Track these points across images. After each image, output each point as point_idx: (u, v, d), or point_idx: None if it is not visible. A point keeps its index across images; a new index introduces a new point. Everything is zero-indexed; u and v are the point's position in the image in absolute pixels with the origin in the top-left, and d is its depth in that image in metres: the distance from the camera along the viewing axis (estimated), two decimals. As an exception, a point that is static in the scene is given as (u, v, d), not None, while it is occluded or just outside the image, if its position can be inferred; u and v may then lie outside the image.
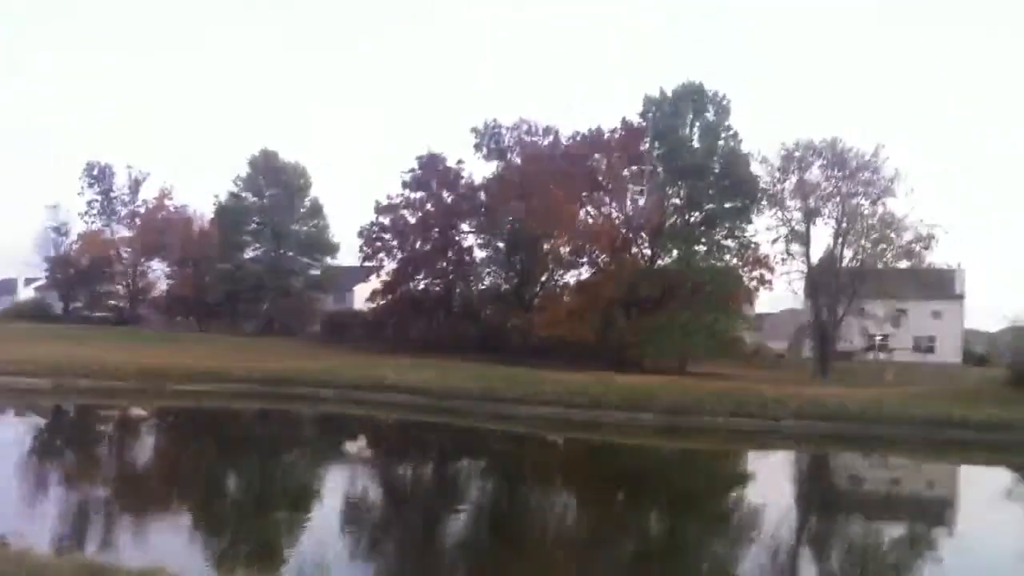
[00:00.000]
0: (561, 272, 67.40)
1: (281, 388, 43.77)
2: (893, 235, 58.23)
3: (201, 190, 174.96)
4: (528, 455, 32.85)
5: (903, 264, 59.86)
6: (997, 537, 19.95)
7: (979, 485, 29.91)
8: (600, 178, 62.92)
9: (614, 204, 64.31)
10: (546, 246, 63.47)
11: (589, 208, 64.28)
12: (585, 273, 65.50)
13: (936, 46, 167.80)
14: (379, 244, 69.62)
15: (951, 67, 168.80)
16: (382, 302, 69.38)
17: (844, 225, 59.07)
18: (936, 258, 60.31)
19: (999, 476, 31.84)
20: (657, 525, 20.70)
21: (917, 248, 57.88)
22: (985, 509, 24.37)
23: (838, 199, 59.28)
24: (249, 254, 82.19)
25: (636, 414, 38.07)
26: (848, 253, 59.78)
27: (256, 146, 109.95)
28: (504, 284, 69.71)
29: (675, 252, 62.05)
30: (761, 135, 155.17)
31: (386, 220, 69.18)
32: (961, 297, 79.54)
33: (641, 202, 62.41)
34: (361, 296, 77.63)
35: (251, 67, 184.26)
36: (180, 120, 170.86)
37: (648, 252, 64.16)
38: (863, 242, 59.31)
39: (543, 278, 67.78)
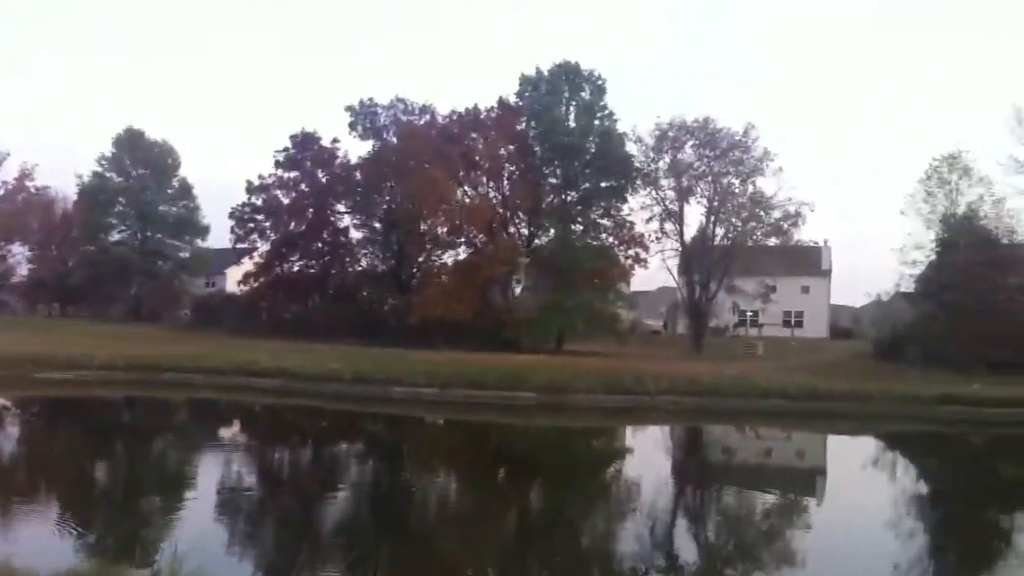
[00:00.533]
0: (439, 252, 66.97)
1: (148, 375, 42.31)
2: (762, 213, 59.73)
3: (66, 171, 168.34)
4: (406, 436, 32.47)
5: (772, 241, 61.37)
6: (865, 503, 20.45)
7: (846, 454, 30.80)
8: (477, 158, 62.69)
9: (491, 184, 64.29)
10: (423, 226, 63.00)
11: (466, 188, 64.06)
12: (463, 253, 65.27)
13: (800, 26, 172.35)
14: (251, 225, 68.09)
15: (816, 46, 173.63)
16: (255, 284, 67.91)
17: (716, 204, 60.30)
18: (804, 235, 62.18)
19: (865, 444, 32.90)
20: (538, 502, 20.62)
21: (785, 226, 59.60)
22: (853, 477, 25.06)
23: (710, 178, 60.54)
24: (115, 236, 79.45)
25: (514, 393, 37.99)
26: (720, 231, 61.13)
27: (123, 124, 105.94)
28: (381, 265, 68.99)
29: (552, 231, 62.25)
30: (638, 115, 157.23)
31: (258, 200, 67.71)
32: (828, 273, 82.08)
33: (518, 182, 62.40)
34: (234, 279, 75.87)
35: (118, 43, 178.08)
36: (42, 98, 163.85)
37: (526, 232, 64.28)
38: (734, 220, 60.68)
39: (421, 259, 67.26)
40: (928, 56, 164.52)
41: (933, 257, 51.46)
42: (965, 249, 48.19)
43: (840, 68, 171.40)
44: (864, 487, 23.29)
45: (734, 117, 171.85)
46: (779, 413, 36.85)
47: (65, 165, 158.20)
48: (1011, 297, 47.64)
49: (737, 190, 60.52)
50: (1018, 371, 41.07)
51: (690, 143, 60.55)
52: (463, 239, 64.30)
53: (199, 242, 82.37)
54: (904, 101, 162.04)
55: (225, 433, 32.06)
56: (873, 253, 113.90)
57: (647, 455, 29.06)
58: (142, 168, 77.83)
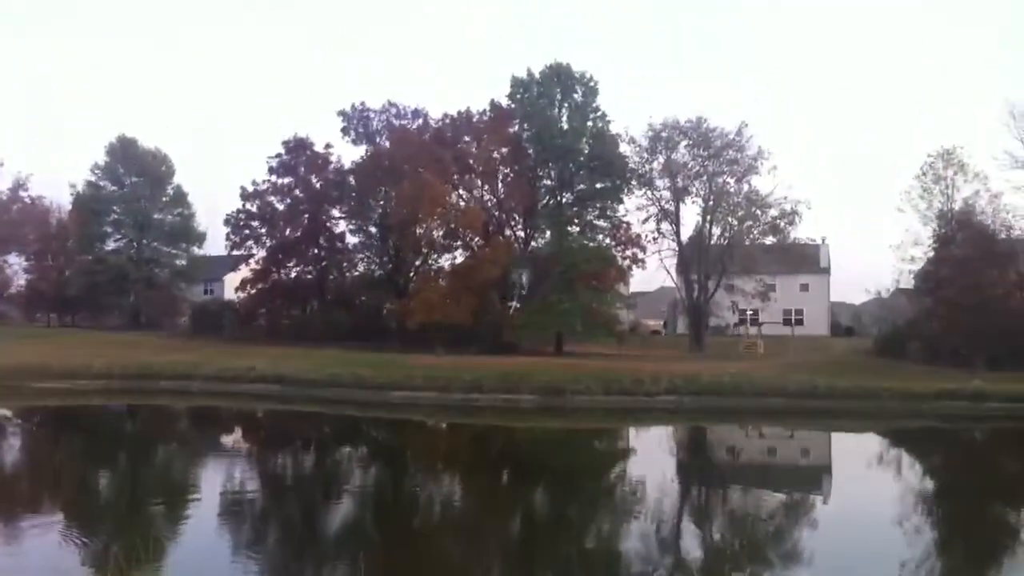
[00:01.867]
0: (435, 256, 66.70)
1: (146, 383, 42.26)
2: (758, 212, 59.70)
3: (60, 181, 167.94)
4: (408, 441, 32.39)
5: (769, 240, 61.33)
6: (871, 500, 20.40)
7: (850, 451, 30.71)
8: (470, 161, 62.51)
9: (486, 186, 64.12)
10: (419, 230, 62.70)
11: (461, 191, 63.87)
12: (460, 257, 65.07)
13: (795, 22, 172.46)
14: (247, 232, 67.74)
15: (811, 44, 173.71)
16: (252, 291, 67.63)
17: (711, 203, 60.25)
18: (801, 233, 62.15)
19: (868, 441, 32.81)
20: (543, 505, 20.51)
21: (782, 224, 59.50)
22: (858, 474, 24.98)
23: (705, 178, 60.50)
24: (111, 245, 78.81)
25: (514, 396, 37.95)
26: (716, 230, 61.08)
27: (116, 133, 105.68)
28: (378, 270, 68.72)
29: (548, 233, 62.14)
30: (631, 115, 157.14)
31: (253, 207, 67.37)
32: (827, 271, 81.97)
33: (513, 184, 62.33)
34: (231, 286, 75.57)
35: (108, 51, 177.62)
36: (34, 108, 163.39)
37: (522, 234, 64.17)
38: (730, 219, 60.65)
39: (417, 263, 67.02)
40: (924, 51, 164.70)
41: (931, 253, 51.44)
42: (962, 245, 48.19)
43: (835, 64, 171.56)
44: (869, 484, 23.21)
45: (728, 115, 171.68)
46: (781, 412, 36.79)
47: (58, 176, 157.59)
48: (1009, 292, 47.63)
49: (732, 189, 60.52)
50: (1018, 366, 41.06)
51: (684, 143, 60.56)
52: (459, 242, 64.11)
53: (196, 249, 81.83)
54: (900, 97, 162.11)
55: (226, 440, 31.99)
56: (872, 250, 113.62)
57: (650, 455, 28.97)
58: (136, 176, 77.40)
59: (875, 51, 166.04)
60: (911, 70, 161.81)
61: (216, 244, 76.10)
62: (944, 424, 35.19)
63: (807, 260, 73.35)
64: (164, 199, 79.25)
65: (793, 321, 74.54)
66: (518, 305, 59.14)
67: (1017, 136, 49.71)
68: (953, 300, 45.06)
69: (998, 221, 50.05)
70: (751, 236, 60.76)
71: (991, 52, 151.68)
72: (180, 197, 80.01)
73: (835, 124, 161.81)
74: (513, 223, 64.39)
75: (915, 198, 53.23)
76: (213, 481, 21.99)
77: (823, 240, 79.39)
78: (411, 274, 66.76)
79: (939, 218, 51.91)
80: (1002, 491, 22.42)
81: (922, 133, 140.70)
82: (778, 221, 59.34)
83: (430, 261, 66.87)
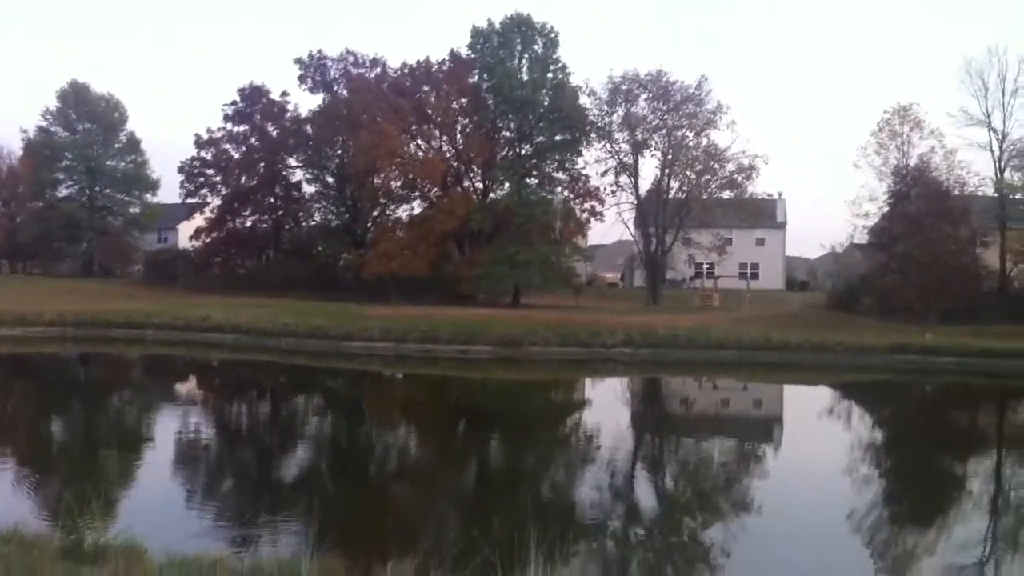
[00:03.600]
0: (393, 207, 66.43)
1: (99, 331, 41.79)
2: (716, 166, 59.85)
3: (10, 126, 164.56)
4: (363, 391, 32.36)
5: (727, 194, 61.46)
6: (820, 452, 20.75)
7: (803, 403, 31.19)
8: (429, 111, 62.01)
9: (444, 137, 63.74)
10: (376, 180, 62.28)
11: (419, 141, 63.42)
12: (418, 208, 64.78)
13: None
14: (202, 180, 67.01)
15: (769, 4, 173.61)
16: (207, 240, 67.08)
17: (670, 157, 60.27)
18: (758, 188, 62.35)
19: (820, 394, 33.31)
20: (497, 455, 20.60)
21: (739, 179, 59.78)
22: (809, 425, 25.39)
23: (664, 131, 60.41)
24: (63, 192, 77.61)
25: (470, 347, 37.96)
26: (675, 184, 61.19)
27: (69, 77, 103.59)
28: (335, 220, 68.28)
29: (507, 185, 61.92)
30: (590, 69, 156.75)
31: (208, 155, 66.56)
32: (783, 225, 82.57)
33: (472, 135, 61.96)
34: (186, 234, 74.82)
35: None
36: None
37: (480, 186, 63.93)
38: (688, 173, 60.73)
39: (375, 213, 66.65)
40: (880, 8, 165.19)
41: (886, 209, 51.86)
42: (916, 200, 48.64)
43: (792, 20, 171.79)
44: (819, 435, 23.63)
45: (689, 69, 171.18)
46: (735, 364, 37.19)
47: (7, 121, 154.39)
48: (961, 248, 48.26)
49: (691, 143, 60.56)
50: (969, 320, 41.75)
51: (643, 96, 60.35)
52: (417, 193, 63.82)
53: (149, 197, 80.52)
54: (858, 53, 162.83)
55: (179, 388, 31.77)
56: (828, 205, 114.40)
57: (605, 406, 29.15)
58: (88, 123, 76.05)
59: (833, 6, 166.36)
60: (870, 26, 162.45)
61: (170, 192, 75.22)
62: (895, 378, 35.73)
63: (763, 214, 73.72)
64: (117, 146, 77.98)
65: (749, 275, 75.00)
66: (476, 256, 58.92)
67: (972, 93, 50.15)
68: (906, 255, 45.59)
69: (952, 178, 50.54)
70: (709, 190, 60.87)
71: (949, 9, 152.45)
72: (133, 144, 78.78)
73: (792, 79, 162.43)
74: (472, 174, 64.13)
75: (871, 154, 53.48)
76: (166, 429, 21.85)
77: (780, 195, 79.94)
78: (368, 224, 66.48)
79: (894, 174, 52.23)
80: (945, 443, 22.91)
81: (880, 89, 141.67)
82: (736, 176, 59.60)
83: (388, 212, 66.66)
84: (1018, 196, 51.77)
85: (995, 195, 51.59)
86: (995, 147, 50.45)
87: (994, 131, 50.27)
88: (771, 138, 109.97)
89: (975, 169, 51.89)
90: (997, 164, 50.60)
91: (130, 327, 42.26)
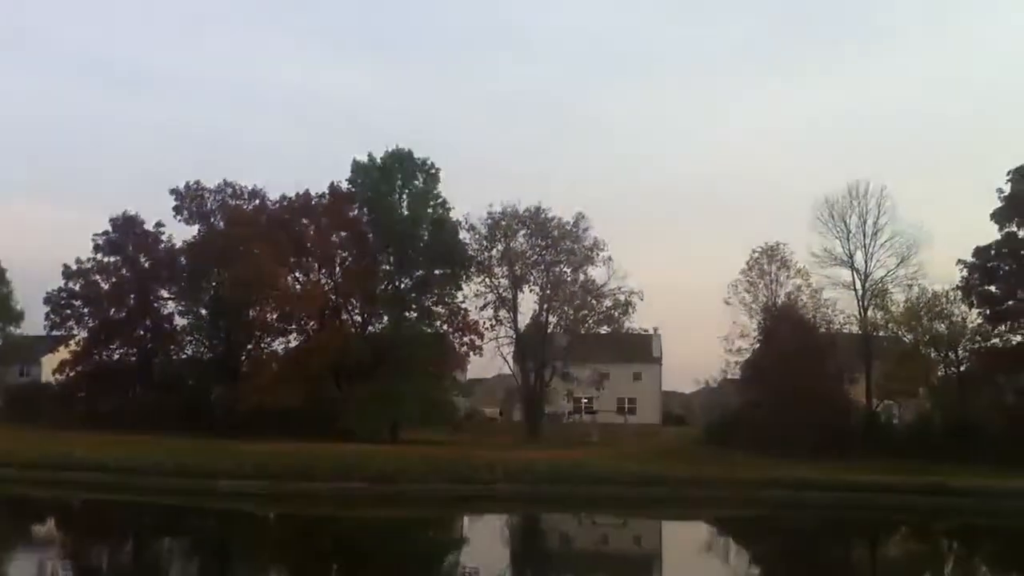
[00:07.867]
0: (269, 340, 65.16)
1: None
2: (594, 302, 60.79)
3: None
4: (232, 533, 31.01)
5: (604, 329, 62.30)
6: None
7: (680, 539, 31.20)
8: (308, 244, 61.73)
9: (323, 270, 63.37)
10: (252, 313, 61.30)
11: (297, 274, 62.89)
12: (294, 341, 63.78)
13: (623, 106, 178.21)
14: (68, 311, 64.98)
15: (644, 143, 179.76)
16: (71, 373, 64.60)
17: (549, 292, 61.01)
18: (634, 323, 63.33)
19: (697, 530, 33.37)
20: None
21: (616, 314, 60.72)
22: (686, 562, 25.29)
23: (543, 267, 61.27)
24: (-81, 322, 74.28)
25: (347, 484, 37.02)
26: (553, 319, 61.75)
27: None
28: (208, 353, 66.58)
29: (386, 318, 61.63)
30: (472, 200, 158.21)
31: (76, 286, 64.70)
32: (658, 360, 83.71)
33: (351, 268, 61.77)
34: (50, 368, 71.93)
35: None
36: None
37: (359, 318, 63.45)
38: (567, 308, 61.45)
39: (250, 346, 65.29)
40: (748, 148, 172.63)
41: (757, 345, 53.25)
42: (784, 337, 50.05)
43: (669, 162, 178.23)
44: (697, 572, 23.52)
45: (570, 202, 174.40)
46: (615, 499, 37.14)
47: None
48: (830, 384, 49.66)
49: (569, 279, 61.54)
50: (839, 454, 42.74)
51: (522, 232, 61.40)
52: (294, 326, 62.90)
53: (12, 329, 77.70)
54: (728, 190, 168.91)
55: (38, 532, 30.00)
56: (703, 340, 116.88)
57: (483, 545, 28.58)
58: (-51, 251, 73.75)
59: (707, 147, 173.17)
60: (735, 162, 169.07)
61: (35, 324, 72.48)
62: (770, 512, 36.08)
63: (640, 350, 74.92)
64: (-22, 276, 75.11)
65: (626, 409, 75.72)
66: (354, 390, 58.03)
67: (835, 235, 52.34)
68: (777, 390, 46.65)
69: (819, 315, 52.37)
70: (587, 325, 61.72)
71: (805, 155, 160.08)
72: (-2, 273, 76.04)
73: (667, 218, 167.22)
74: (351, 307, 63.62)
75: (741, 292, 55.21)
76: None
77: (655, 330, 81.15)
78: (243, 358, 64.94)
79: (764, 311, 53.89)
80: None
81: (750, 230, 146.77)
82: (613, 311, 60.61)
83: (263, 345, 65.28)
84: (881, 334, 53.79)
85: (859, 332, 53.40)
86: (858, 286, 52.53)
87: (856, 271, 52.42)
88: (647, 273, 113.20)
89: (840, 307, 53.94)
90: (860, 303, 52.59)
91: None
